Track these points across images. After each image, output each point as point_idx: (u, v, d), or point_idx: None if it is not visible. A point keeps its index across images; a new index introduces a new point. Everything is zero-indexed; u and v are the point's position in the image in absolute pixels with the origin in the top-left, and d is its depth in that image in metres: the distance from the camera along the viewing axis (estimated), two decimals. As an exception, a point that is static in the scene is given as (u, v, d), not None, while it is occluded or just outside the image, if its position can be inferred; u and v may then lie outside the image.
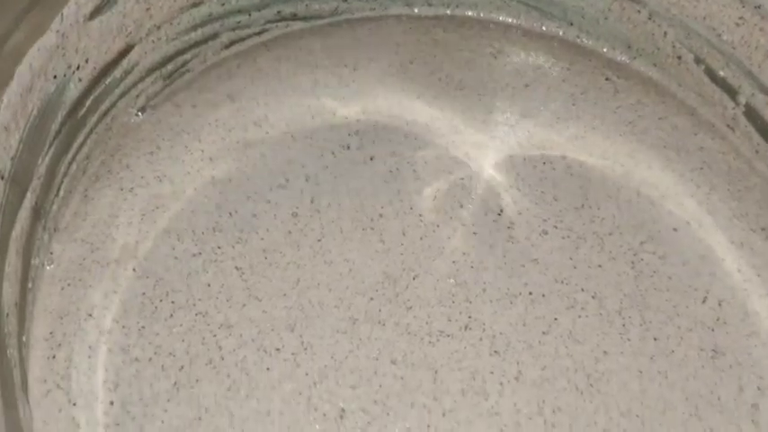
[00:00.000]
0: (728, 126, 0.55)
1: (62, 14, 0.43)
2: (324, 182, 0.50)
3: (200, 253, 0.47)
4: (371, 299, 0.46)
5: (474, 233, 0.49)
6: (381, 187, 0.50)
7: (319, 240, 0.47)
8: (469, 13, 0.59)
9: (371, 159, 0.51)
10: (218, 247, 0.47)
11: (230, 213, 0.48)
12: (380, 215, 0.49)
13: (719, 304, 0.48)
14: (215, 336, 0.44)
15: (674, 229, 0.50)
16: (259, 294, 0.46)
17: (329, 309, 0.45)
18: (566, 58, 0.57)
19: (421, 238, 0.48)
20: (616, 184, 0.51)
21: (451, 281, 0.47)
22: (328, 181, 0.50)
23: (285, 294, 0.46)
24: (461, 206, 0.50)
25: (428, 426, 0.42)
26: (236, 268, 0.46)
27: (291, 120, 0.53)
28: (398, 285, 0.47)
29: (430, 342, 0.45)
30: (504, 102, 0.54)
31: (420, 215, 0.49)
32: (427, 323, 0.45)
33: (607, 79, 0.56)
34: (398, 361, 0.44)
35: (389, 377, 0.43)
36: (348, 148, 0.52)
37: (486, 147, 0.52)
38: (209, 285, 0.45)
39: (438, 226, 0.49)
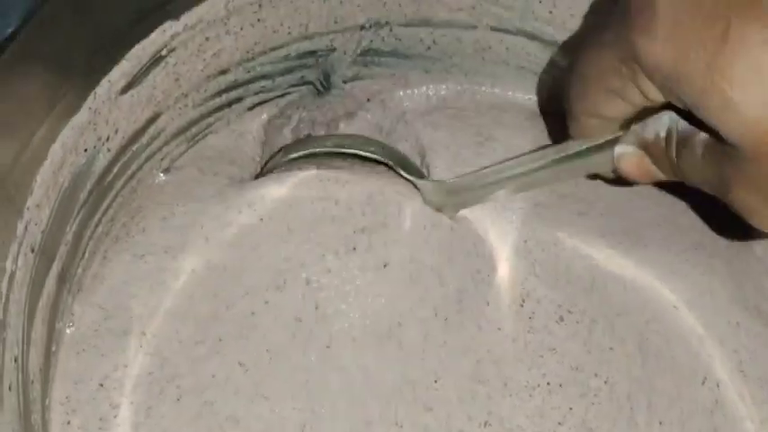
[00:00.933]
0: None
1: (95, 93, 0.45)
2: (327, 287, 0.48)
3: (202, 341, 0.47)
4: (388, 402, 0.46)
5: (498, 329, 0.49)
6: (400, 293, 0.48)
7: (328, 347, 0.47)
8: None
9: (384, 266, 0.49)
10: (220, 340, 0.47)
11: (227, 306, 0.47)
12: (399, 324, 0.48)
13: (717, 386, 0.49)
14: (222, 428, 0.45)
15: (675, 307, 0.51)
16: (266, 392, 0.46)
17: (341, 411, 0.45)
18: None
19: (445, 342, 0.48)
20: (619, 263, 0.52)
21: (474, 380, 0.47)
22: (333, 286, 0.48)
23: (293, 396, 0.45)
24: (487, 302, 0.50)
25: None
26: (240, 364, 0.46)
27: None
28: (418, 388, 0.46)
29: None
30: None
31: (445, 318, 0.49)
32: (447, 422, 0.46)
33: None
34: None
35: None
36: (354, 249, 0.49)
37: (506, 233, 0.52)
38: (213, 376, 0.46)
39: (462, 324, 0.49)
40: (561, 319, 0.50)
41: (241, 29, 0.53)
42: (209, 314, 0.47)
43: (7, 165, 0.39)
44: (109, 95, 0.46)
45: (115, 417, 0.44)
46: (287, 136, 0.58)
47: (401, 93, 0.58)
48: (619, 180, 0.47)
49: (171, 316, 0.47)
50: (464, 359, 0.48)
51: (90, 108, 0.44)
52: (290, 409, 0.45)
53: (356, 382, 0.46)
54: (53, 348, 0.45)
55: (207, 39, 0.51)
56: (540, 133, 0.55)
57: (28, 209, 0.41)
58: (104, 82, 0.45)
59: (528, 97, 0.58)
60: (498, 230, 0.51)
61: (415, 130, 0.56)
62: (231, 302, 0.48)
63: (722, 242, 0.54)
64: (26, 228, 0.41)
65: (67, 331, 0.47)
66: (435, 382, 0.47)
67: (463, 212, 0.51)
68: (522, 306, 0.50)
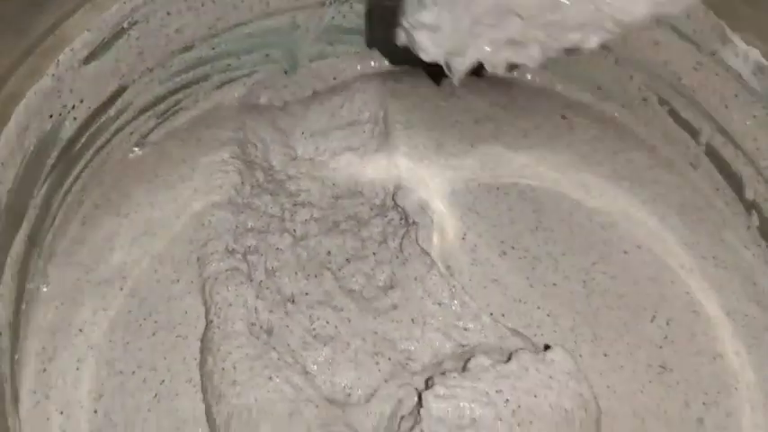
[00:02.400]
0: (691, 164, 0.58)
1: (58, 60, 0.47)
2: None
3: (178, 280, 0.50)
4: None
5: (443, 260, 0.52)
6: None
7: (298, 273, 0.50)
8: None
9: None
10: (191, 282, 0.50)
11: (201, 251, 0.51)
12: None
13: (668, 323, 0.51)
14: (195, 359, 0.47)
15: (625, 252, 0.53)
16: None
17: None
18: (522, 98, 0.60)
19: (393, 273, 0.51)
20: (568, 209, 0.54)
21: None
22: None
23: None
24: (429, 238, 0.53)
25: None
26: None
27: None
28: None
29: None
30: (454, 136, 0.57)
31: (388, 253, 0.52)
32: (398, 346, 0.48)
33: (564, 117, 0.59)
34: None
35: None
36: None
37: (441, 177, 0.55)
38: (186, 312, 0.49)
39: (407, 259, 0.51)
40: (504, 253, 0.52)
41: (202, 5, 0.55)
42: (184, 257, 0.51)
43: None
44: (72, 64, 0.48)
45: (92, 356, 0.47)
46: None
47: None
48: None
49: (152, 259, 0.51)
50: (417, 281, 0.50)
51: (53, 75, 0.47)
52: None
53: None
54: (23, 307, 0.47)
55: (168, 13, 0.54)
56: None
57: (-8, 166, 0.43)
58: (67, 51, 0.48)
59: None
60: (438, 171, 0.55)
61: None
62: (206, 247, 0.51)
63: (679, 197, 0.56)
64: (-8, 184, 0.43)
65: (43, 289, 0.49)
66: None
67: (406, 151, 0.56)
68: (463, 239, 0.52)
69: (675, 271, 0.53)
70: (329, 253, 0.51)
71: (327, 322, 0.47)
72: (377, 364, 0.46)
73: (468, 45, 0.43)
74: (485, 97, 0.60)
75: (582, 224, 0.54)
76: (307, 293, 0.48)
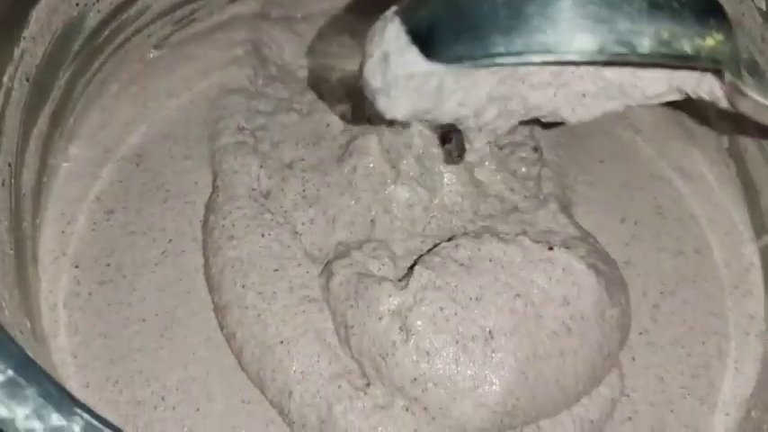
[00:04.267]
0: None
1: (85, -48, 0.52)
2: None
3: (190, 157, 0.55)
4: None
5: None
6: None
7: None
8: None
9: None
10: (202, 157, 0.55)
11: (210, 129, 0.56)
12: None
13: (635, 224, 0.55)
14: (200, 221, 0.52)
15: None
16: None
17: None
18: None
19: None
20: None
21: None
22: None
23: None
24: None
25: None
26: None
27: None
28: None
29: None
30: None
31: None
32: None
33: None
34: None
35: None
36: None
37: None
38: (196, 183, 0.54)
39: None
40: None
41: None
42: (197, 136, 0.56)
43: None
44: (98, -41, 0.53)
45: (108, 220, 0.52)
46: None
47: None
48: None
49: (164, 138, 0.56)
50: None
51: (82, -34, 0.52)
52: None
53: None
54: (44, 179, 0.52)
55: None
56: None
57: (24, 38, 0.48)
58: (95, -55, 0.52)
59: None
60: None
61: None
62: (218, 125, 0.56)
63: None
64: (22, 55, 0.48)
65: (64, 165, 0.54)
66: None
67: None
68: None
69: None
70: (328, 125, 0.55)
71: (316, 188, 0.51)
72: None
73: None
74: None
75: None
76: (303, 159, 0.53)
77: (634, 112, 0.61)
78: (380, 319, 0.44)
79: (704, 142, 0.59)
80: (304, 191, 0.51)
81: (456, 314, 0.44)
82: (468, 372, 0.43)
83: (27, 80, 0.49)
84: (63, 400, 0.28)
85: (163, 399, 0.46)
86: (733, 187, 0.57)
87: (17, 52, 0.48)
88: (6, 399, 0.28)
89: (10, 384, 0.28)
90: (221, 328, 0.48)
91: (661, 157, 0.59)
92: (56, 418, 0.28)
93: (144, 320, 0.49)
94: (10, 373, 0.28)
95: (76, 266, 0.50)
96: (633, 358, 0.49)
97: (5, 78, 0.47)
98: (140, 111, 0.58)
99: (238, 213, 0.50)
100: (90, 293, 0.49)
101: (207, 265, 0.50)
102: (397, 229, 0.50)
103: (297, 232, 0.50)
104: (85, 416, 0.28)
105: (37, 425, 0.28)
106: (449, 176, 0.52)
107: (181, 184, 0.54)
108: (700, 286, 0.53)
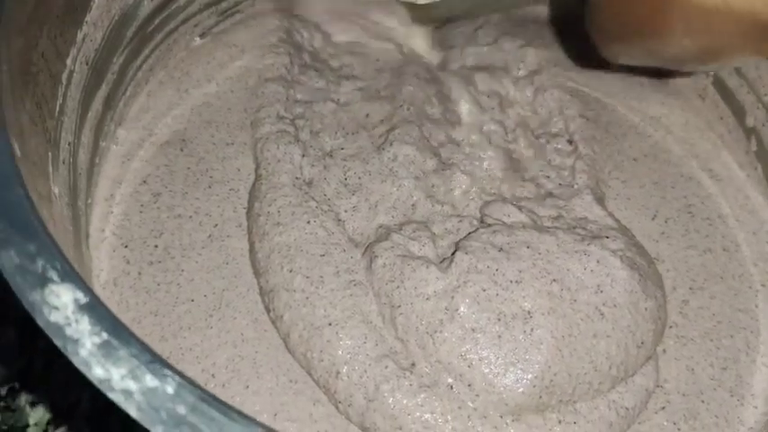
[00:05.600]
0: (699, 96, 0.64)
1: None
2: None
3: (232, 143, 0.57)
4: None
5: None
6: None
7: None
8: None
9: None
10: (245, 143, 0.57)
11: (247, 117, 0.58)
12: None
13: (666, 222, 0.57)
14: (244, 208, 0.54)
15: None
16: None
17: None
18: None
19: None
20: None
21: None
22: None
23: None
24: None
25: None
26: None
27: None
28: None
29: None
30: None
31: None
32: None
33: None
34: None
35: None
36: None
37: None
38: (239, 170, 0.56)
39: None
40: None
41: None
42: (238, 123, 0.58)
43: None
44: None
45: (155, 202, 0.53)
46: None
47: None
48: None
49: (207, 124, 0.58)
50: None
51: (139, -41, 0.54)
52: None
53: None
54: (96, 160, 0.54)
55: None
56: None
57: (86, 23, 0.49)
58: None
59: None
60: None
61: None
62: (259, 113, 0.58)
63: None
64: (84, 40, 0.50)
65: (113, 147, 0.56)
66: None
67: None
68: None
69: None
70: (367, 116, 0.57)
71: (358, 176, 0.53)
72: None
73: None
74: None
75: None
76: (342, 148, 0.55)
77: (666, 114, 0.63)
78: (428, 299, 0.46)
79: (733, 145, 0.61)
80: (346, 179, 0.53)
81: (497, 294, 0.47)
82: (510, 347, 0.45)
83: (87, 64, 0.51)
84: (154, 362, 0.30)
85: (213, 376, 0.47)
86: (761, 188, 0.59)
87: (80, 35, 0.49)
88: (103, 359, 0.29)
89: (106, 346, 0.30)
90: (268, 311, 0.50)
91: (692, 157, 0.61)
92: (149, 379, 0.29)
93: (192, 300, 0.50)
94: (105, 335, 0.30)
95: (125, 246, 0.51)
96: (664, 350, 0.51)
97: (69, 60, 0.48)
98: (183, 96, 0.59)
99: (283, 201, 0.51)
100: (140, 273, 0.51)
101: (252, 250, 0.51)
102: (438, 212, 0.53)
103: (340, 219, 0.51)
104: (177, 377, 0.29)
105: (132, 385, 0.29)
106: (488, 162, 0.55)
107: (224, 171, 0.55)
108: (728, 283, 0.55)
